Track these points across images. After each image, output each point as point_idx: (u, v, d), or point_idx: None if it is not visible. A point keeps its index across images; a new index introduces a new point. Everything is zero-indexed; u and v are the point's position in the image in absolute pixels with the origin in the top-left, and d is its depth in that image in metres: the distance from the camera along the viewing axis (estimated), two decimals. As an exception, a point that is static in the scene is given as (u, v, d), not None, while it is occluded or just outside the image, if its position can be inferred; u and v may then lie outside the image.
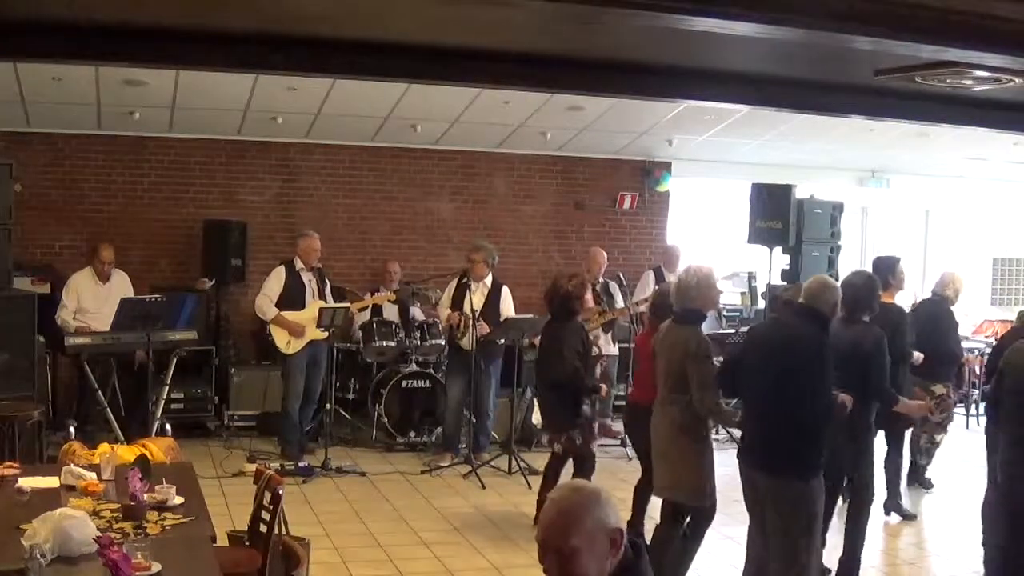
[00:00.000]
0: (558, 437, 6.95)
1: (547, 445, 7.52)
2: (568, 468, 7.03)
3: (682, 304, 5.61)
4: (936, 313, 8.00)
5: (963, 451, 9.06)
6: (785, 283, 9.14)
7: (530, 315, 8.95)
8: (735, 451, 5.34)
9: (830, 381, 4.97)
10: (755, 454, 5.11)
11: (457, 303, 8.70)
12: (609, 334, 9.60)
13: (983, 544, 5.06)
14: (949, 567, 6.62)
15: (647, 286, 10.01)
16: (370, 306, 9.56)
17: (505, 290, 8.83)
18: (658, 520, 5.76)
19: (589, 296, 8.01)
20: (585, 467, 6.84)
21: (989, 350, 10.71)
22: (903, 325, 7.13)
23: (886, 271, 7.44)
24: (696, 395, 5.37)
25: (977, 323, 12.12)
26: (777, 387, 4.96)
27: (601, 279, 9.70)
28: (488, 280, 8.74)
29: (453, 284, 8.93)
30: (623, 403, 9.85)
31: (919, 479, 8.30)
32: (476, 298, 8.53)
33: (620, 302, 9.51)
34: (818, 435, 4.92)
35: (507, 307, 8.76)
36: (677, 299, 5.65)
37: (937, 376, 7.81)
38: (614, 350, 9.70)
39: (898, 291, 7.63)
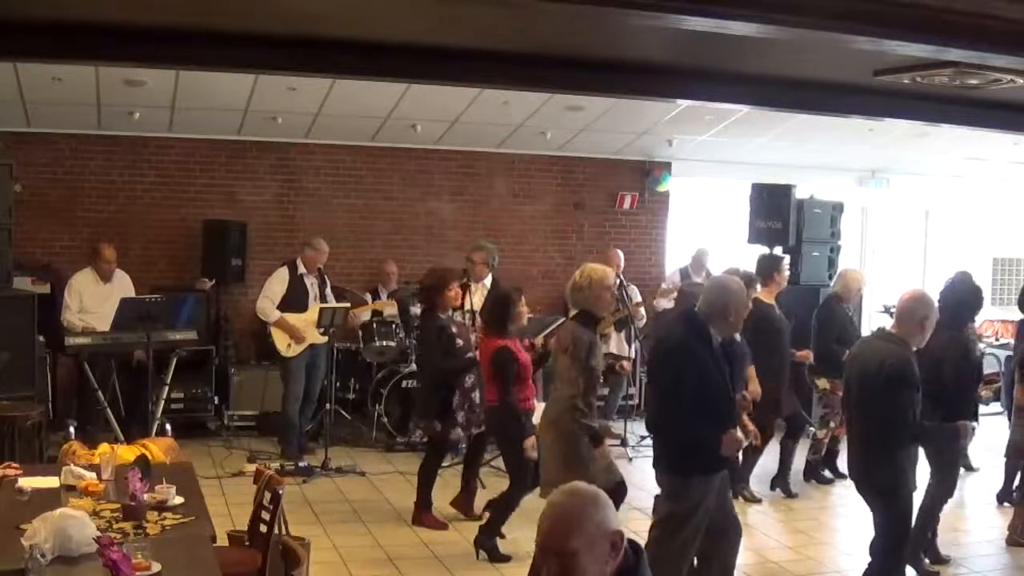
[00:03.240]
0: (423, 424, 7.18)
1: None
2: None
3: (574, 304, 5.75)
4: (822, 310, 8.29)
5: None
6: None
7: (529, 315, 8.95)
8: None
9: (692, 387, 4.81)
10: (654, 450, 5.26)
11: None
12: (622, 334, 9.66)
13: None
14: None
15: (673, 282, 10.19)
16: (370, 310, 9.56)
17: (505, 290, 8.81)
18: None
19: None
20: (438, 453, 7.15)
21: (989, 351, 10.76)
22: (764, 322, 7.38)
23: (771, 268, 7.98)
24: (563, 390, 5.52)
25: (977, 324, 12.12)
26: (655, 393, 5.10)
27: (617, 279, 9.74)
28: (487, 280, 8.73)
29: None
30: (623, 403, 9.92)
31: (813, 474, 8.41)
32: (476, 299, 8.52)
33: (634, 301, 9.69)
34: (689, 433, 4.86)
35: (506, 308, 8.74)
36: (571, 298, 5.77)
37: (824, 371, 8.07)
38: (628, 350, 9.81)
39: (779, 288, 8.02)
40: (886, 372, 4.91)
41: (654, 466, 5.17)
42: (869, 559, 5.32)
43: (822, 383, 8.19)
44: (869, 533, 5.28)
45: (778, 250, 9.82)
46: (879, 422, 5.01)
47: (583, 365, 5.50)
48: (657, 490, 5.17)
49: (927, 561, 6.27)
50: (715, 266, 10.68)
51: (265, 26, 4.65)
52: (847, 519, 7.62)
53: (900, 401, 4.91)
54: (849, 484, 8.23)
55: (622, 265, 9.90)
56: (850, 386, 5.28)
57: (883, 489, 5.13)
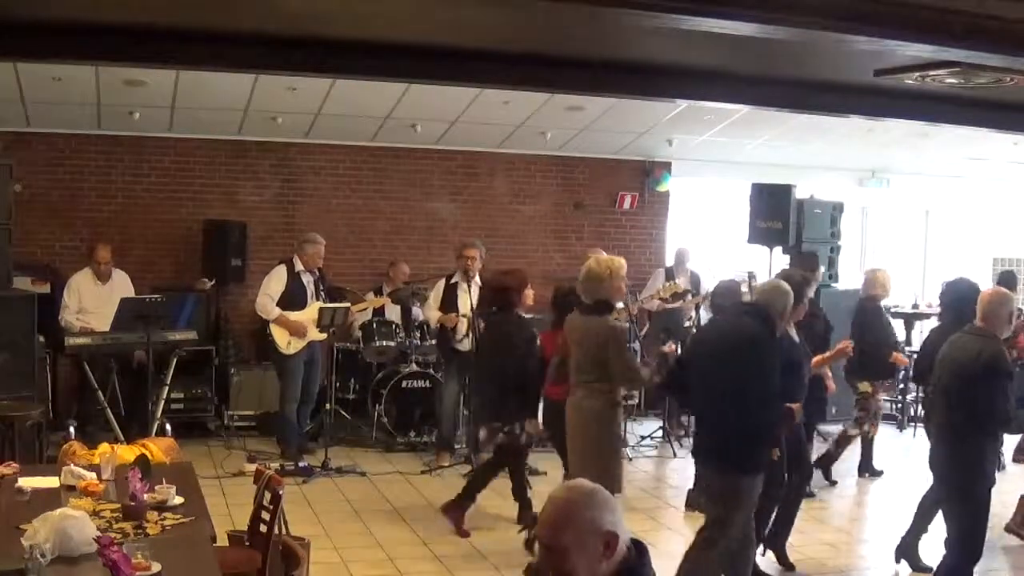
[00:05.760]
0: (506, 429, 6.77)
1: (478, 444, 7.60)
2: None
3: (592, 295, 5.66)
4: (862, 313, 8.25)
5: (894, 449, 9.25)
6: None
7: (528, 315, 8.94)
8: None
9: (772, 381, 4.96)
10: (702, 451, 5.28)
11: (449, 304, 8.65)
12: None
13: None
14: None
15: (656, 283, 10.11)
16: (370, 307, 9.55)
17: (501, 289, 8.79)
18: None
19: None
20: (507, 459, 6.89)
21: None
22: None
23: (808, 268, 7.78)
24: (622, 381, 5.56)
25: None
26: (720, 386, 5.08)
27: None
28: (478, 279, 8.70)
29: (441, 286, 8.82)
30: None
31: (822, 465, 8.30)
32: (474, 296, 8.48)
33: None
34: (758, 432, 4.96)
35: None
36: (587, 290, 5.68)
37: (866, 374, 8.11)
38: None
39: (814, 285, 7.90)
40: (983, 362, 5.07)
41: (704, 465, 5.22)
42: (944, 552, 5.35)
43: (863, 386, 8.15)
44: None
45: (778, 250, 9.82)
46: (969, 412, 5.10)
47: (629, 350, 5.57)
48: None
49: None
50: (714, 267, 10.69)
51: (265, 26, 4.66)
52: (849, 519, 7.63)
53: (995, 390, 5.05)
54: (853, 483, 8.33)
55: None
56: (940, 384, 5.31)
57: (963, 482, 5.19)
